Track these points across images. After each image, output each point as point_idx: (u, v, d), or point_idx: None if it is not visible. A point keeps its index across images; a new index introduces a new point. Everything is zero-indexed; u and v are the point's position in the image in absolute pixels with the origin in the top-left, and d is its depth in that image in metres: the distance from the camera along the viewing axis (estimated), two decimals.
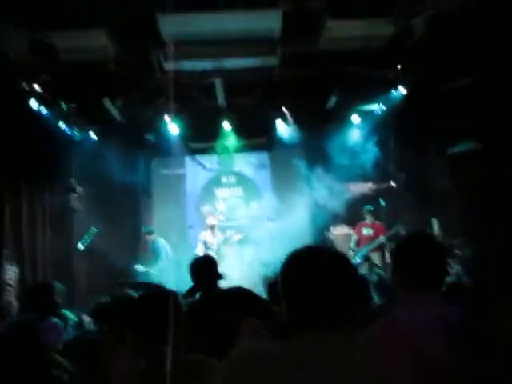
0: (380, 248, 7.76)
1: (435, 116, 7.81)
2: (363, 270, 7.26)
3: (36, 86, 6.67)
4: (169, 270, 7.69)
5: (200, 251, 7.70)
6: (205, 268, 3.02)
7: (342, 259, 1.19)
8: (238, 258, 7.93)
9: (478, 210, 7.30)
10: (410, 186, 8.53)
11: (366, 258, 7.64)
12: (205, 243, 7.82)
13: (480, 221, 7.18)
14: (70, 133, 8.32)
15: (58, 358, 2.69)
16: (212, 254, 7.42)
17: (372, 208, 7.92)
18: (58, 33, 5.46)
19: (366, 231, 7.89)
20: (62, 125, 8.00)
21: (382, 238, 7.61)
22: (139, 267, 7.68)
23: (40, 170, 7.82)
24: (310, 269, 1.15)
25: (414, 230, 7.66)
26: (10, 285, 6.99)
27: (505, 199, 6.77)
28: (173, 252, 8.13)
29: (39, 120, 7.32)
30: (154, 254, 7.81)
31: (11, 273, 7.05)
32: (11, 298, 6.74)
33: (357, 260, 7.61)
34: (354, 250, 7.84)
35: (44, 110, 7.28)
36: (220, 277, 3.04)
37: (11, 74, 6.19)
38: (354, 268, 1.23)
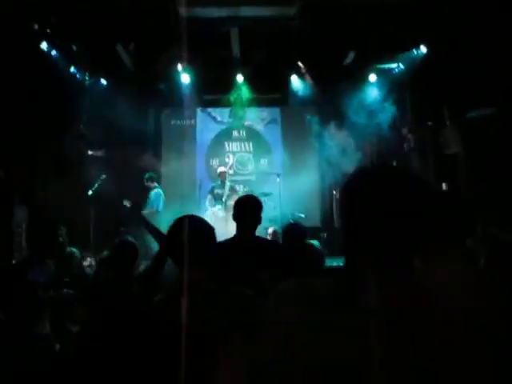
0: None
1: (453, 79, 7.58)
2: None
3: (47, 28, 6.50)
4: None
5: (208, 202, 7.69)
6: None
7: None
8: None
9: (488, 175, 7.22)
10: (422, 148, 8.41)
11: None
12: (214, 193, 7.74)
13: (489, 187, 7.12)
14: (80, 78, 8.21)
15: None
16: (220, 205, 7.47)
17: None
18: None
19: None
20: (72, 69, 7.88)
21: None
22: (127, 203, 7.52)
23: (49, 114, 7.75)
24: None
25: None
26: (20, 227, 7.13)
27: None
28: (180, 204, 8.13)
29: (50, 63, 7.20)
30: (145, 201, 7.75)
31: (21, 215, 7.17)
32: (21, 239, 6.88)
33: None
34: None
35: (55, 54, 7.16)
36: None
37: (23, 14, 6.00)
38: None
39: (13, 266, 3.02)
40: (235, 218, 2.78)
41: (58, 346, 2.73)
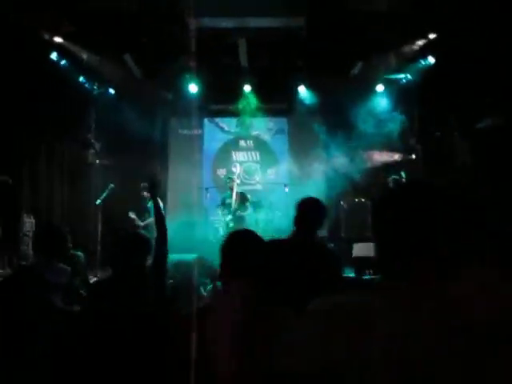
0: None
1: (461, 90, 7.57)
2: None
3: (57, 38, 6.57)
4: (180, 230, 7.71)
5: (221, 212, 7.68)
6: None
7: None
8: (251, 222, 7.93)
9: (496, 186, 7.15)
10: (430, 159, 8.37)
11: None
12: (225, 204, 7.70)
13: (496, 198, 7.05)
14: (89, 87, 8.27)
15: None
16: (229, 214, 7.47)
17: (398, 178, 7.72)
18: None
19: None
20: (81, 79, 7.95)
21: None
22: (132, 215, 7.31)
23: (58, 123, 7.81)
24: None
25: None
26: (26, 235, 7.14)
27: None
28: (187, 213, 8.13)
29: (59, 73, 7.27)
30: (147, 212, 7.63)
31: (28, 223, 7.19)
32: (27, 247, 6.88)
33: None
34: None
35: (64, 63, 7.23)
36: None
37: (33, 23, 6.07)
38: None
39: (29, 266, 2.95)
40: (296, 218, 2.70)
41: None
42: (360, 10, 6.05)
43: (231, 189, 7.66)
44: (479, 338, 0.88)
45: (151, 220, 7.28)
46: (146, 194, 7.52)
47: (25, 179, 7.27)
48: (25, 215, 7.23)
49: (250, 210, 7.62)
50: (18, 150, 7.23)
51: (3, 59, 6.15)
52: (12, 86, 6.59)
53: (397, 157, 8.72)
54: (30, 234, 7.14)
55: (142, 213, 7.33)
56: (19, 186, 7.04)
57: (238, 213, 7.33)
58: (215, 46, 7.75)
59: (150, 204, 7.61)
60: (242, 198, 7.63)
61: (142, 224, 7.18)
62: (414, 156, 8.72)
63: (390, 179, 7.66)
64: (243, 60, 7.93)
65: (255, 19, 6.81)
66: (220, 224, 7.66)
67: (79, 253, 4.12)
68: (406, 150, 8.59)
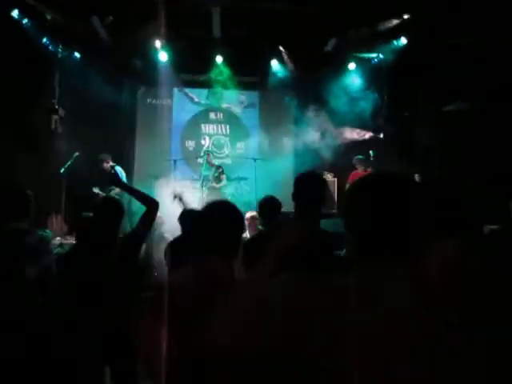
0: None
1: (431, 72, 7.70)
2: None
3: None
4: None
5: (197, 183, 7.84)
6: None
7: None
8: (219, 197, 7.93)
9: (461, 168, 7.41)
10: (396, 138, 8.54)
11: None
12: (203, 177, 7.82)
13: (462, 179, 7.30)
14: (53, 49, 7.88)
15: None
16: (204, 187, 7.65)
17: (363, 157, 7.86)
18: None
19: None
20: (45, 40, 7.55)
21: None
22: (96, 189, 7.13)
23: (20, 87, 7.42)
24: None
25: None
26: None
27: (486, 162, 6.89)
28: (154, 185, 7.98)
29: (21, 32, 6.87)
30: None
31: None
32: None
33: None
34: None
35: (27, 22, 6.84)
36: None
37: None
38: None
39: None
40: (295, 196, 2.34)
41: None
42: None
43: (209, 162, 7.76)
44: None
45: (116, 191, 7.15)
46: (105, 165, 7.33)
47: None
48: None
49: (225, 183, 7.62)
50: None
51: None
52: None
53: (366, 135, 8.85)
54: None
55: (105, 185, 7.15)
56: None
57: (214, 185, 7.34)
58: (188, 14, 7.50)
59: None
60: (220, 171, 7.67)
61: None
62: (381, 135, 8.87)
63: (356, 159, 7.80)
64: (216, 30, 7.75)
65: None
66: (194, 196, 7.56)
67: (47, 231, 4.01)
68: (375, 129, 8.72)
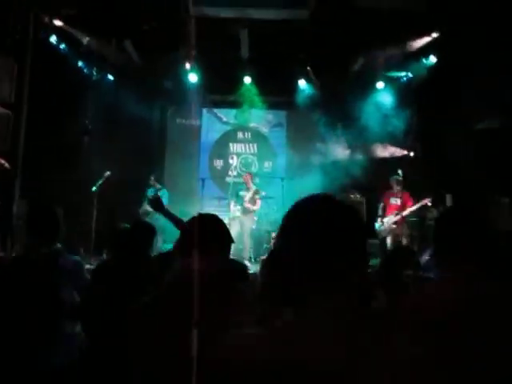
0: (405, 220, 7.38)
1: (462, 90, 7.58)
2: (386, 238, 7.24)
3: (57, 22, 6.48)
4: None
5: (232, 204, 7.80)
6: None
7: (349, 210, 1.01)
8: (253, 218, 7.95)
9: (493, 186, 7.19)
10: (427, 157, 8.39)
11: (391, 228, 7.42)
12: (238, 195, 7.81)
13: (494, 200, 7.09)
14: (88, 72, 8.18)
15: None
16: (239, 206, 7.67)
17: (400, 177, 7.67)
18: None
19: (394, 200, 7.62)
20: (80, 63, 7.87)
21: (408, 211, 7.35)
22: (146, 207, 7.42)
23: (55, 107, 7.72)
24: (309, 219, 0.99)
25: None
26: (20, 218, 7.09)
27: None
28: (181, 204, 8.06)
29: (58, 57, 7.18)
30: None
31: (22, 208, 7.13)
32: (21, 232, 6.83)
33: (380, 227, 7.52)
34: (381, 217, 7.65)
35: (64, 47, 7.16)
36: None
37: (35, 6, 5.98)
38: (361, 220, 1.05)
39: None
40: None
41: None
42: (364, 6, 5.98)
43: (247, 183, 7.83)
44: None
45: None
46: (154, 184, 7.59)
47: (20, 160, 7.19)
48: (19, 199, 7.19)
49: (258, 207, 7.73)
50: (13, 133, 7.15)
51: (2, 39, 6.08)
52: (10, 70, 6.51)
53: (395, 154, 8.73)
54: (24, 218, 7.11)
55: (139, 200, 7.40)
56: (14, 169, 6.98)
57: (249, 206, 7.54)
58: (217, 36, 7.67)
59: (148, 192, 7.62)
60: (257, 195, 7.73)
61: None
62: (412, 154, 8.73)
63: (393, 179, 7.56)
64: (244, 51, 7.87)
65: (258, 10, 6.74)
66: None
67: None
68: (405, 148, 8.59)
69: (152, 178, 7.79)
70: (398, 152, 8.66)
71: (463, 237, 1.54)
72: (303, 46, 7.65)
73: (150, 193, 7.57)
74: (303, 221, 0.99)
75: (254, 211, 7.66)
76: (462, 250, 1.52)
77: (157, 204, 2.97)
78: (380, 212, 7.57)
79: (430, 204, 7.06)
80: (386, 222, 7.30)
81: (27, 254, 2.84)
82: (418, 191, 7.78)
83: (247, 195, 7.68)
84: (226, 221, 6.62)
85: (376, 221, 7.57)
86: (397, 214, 7.22)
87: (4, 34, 6.08)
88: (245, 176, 8.03)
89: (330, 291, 0.92)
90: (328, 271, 0.93)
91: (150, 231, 2.96)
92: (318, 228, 0.96)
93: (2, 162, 6.29)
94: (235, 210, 7.59)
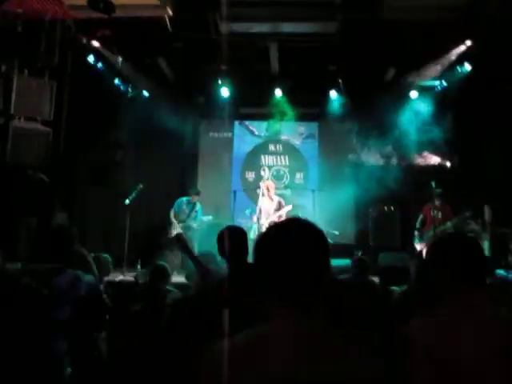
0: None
1: (500, 98, 7.33)
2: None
3: (94, 42, 6.78)
4: (208, 232, 7.81)
5: (255, 219, 7.41)
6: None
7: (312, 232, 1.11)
8: None
9: None
10: (465, 168, 8.13)
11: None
12: (261, 210, 7.38)
13: None
14: (123, 89, 8.49)
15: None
16: (265, 220, 7.27)
17: (441, 191, 7.50)
18: None
19: (434, 213, 7.47)
20: (116, 81, 8.18)
21: (448, 225, 7.18)
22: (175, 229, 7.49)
23: (93, 124, 8.04)
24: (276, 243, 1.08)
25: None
26: None
27: None
28: (214, 216, 8.16)
29: (95, 75, 7.50)
30: (190, 214, 7.75)
31: (61, 220, 7.43)
32: None
33: (417, 241, 7.39)
34: (419, 230, 7.51)
35: (101, 66, 7.47)
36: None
37: (74, 29, 6.30)
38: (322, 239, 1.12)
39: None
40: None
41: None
42: (394, 18, 5.92)
43: (269, 196, 7.42)
44: None
45: (191, 223, 7.52)
46: (194, 197, 7.65)
47: (58, 176, 7.52)
48: (58, 212, 7.51)
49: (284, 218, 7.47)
50: (56, 149, 7.51)
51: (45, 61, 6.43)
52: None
53: (431, 164, 8.51)
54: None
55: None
56: (54, 183, 7.29)
57: (273, 219, 7.16)
58: (247, 50, 7.79)
59: (197, 208, 7.69)
60: (280, 205, 7.41)
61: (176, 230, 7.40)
62: (448, 164, 8.48)
63: (435, 193, 7.34)
64: (274, 64, 7.94)
65: (288, 24, 6.79)
66: (251, 227, 7.43)
67: (105, 255, 4.20)
68: (441, 158, 8.37)
69: (192, 191, 7.77)
70: (434, 162, 8.43)
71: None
72: (333, 58, 7.63)
73: (184, 202, 7.66)
74: (263, 246, 1.10)
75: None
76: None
77: (181, 244, 3.04)
78: (418, 224, 7.45)
79: (470, 218, 6.91)
80: (426, 236, 7.21)
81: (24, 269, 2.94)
82: (455, 203, 7.56)
83: (271, 207, 7.35)
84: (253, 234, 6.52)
85: (414, 233, 7.45)
86: (435, 228, 7.08)
87: (45, 55, 6.43)
88: (266, 185, 7.50)
89: (290, 307, 1.01)
90: (287, 289, 1.02)
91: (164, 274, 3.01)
92: (276, 250, 1.06)
93: (42, 176, 6.61)
94: (261, 223, 7.27)
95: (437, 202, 7.36)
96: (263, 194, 7.40)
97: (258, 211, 7.39)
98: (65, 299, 2.44)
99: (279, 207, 7.35)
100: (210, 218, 7.65)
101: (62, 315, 2.39)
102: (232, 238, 2.46)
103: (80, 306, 2.47)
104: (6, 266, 3.45)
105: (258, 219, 7.31)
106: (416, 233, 7.46)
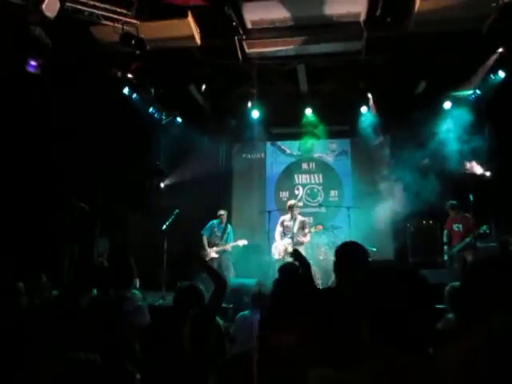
0: (471, 247, 6.87)
1: None
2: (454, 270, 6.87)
3: (128, 74, 7.10)
4: (244, 254, 7.87)
5: (277, 234, 7.46)
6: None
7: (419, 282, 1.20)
8: (313, 246, 7.83)
9: None
10: (505, 178, 7.83)
11: (460, 257, 7.03)
12: (284, 225, 7.45)
13: None
14: (158, 117, 8.80)
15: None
16: (288, 238, 7.24)
17: (455, 203, 7.32)
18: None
19: (456, 226, 7.28)
20: (150, 109, 8.49)
21: (468, 239, 6.96)
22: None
23: (131, 151, 8.35)
24: (390, 291, 1.17)
25: (506, 226, 7.10)
26: (101, 256, 7.65)
27: None
28: (248, 237, 8.14)
29: (131, 105, 7.83)
30: (222, 237, 7.74)
31: (103, 245, 7.70)
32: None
33: (445, 258, 7.20)
34: (446, 245, 7.33)
35: (135, 97, 7.80)
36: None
37: (106, 63, 6.63)
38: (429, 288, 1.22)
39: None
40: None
41: None
42: (419, 31, 5.88)
43: (292, 213, 7.39)
44: None
45: (225, 246, 7.54)
46: (223, 217, 7.70)
47: (99, 205, 7.84)
48: (100, 237, 7.80)
49: (309, 238, 7.37)
50: (95, 177, 7.85)
51: (85, 95, 6.81)
52: (91, 119, 7.23)
53: (469, 176, 8.26)
54: (105, 255, 7.68)
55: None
56: (95, 211, 7.60)
57: (297, 239, 7.16)
58: (275, 72, 7.93)
59: (229, 229, 7.77)
60: (303, 224, 7.40)
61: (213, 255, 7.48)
62: (488, 174, 8.20)
63: (448, 205, 7.29)
64: (302, 85, 8.03)
65: (314, 46, 6.87)
66: (275, 246, 7.42)
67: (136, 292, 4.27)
68: (480, 169, 8.11)
69: (222, 213, 7.77)
70: (473, 173, 8.18)
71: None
72: (361, 75, 7.64)
73: (215, 225, 7.72)
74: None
75: (302, 243, 7.17)
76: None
77: (199, 261, 3.18)
78: (445, 239, 7.26)
79: (488, 231, 6.83)
80: (455, 250, 7.07)
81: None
82: (498, 215, 7.30)
83: (294, 226, 7.28)
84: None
85: (443, 249, 7.27)
86: (461, 241, 6.89)
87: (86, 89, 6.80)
88: (290, 205, 7.42)
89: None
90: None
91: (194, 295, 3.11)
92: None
93: (83, 205, 6.92)
94: (286, 244, 7.20)
95: (453, 215, 7.17)
96: (291, 216, 7.40)
97: (280, 229, 7.43)
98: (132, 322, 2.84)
99: (303, 226, 7.35)
100: (246, 242, 7.63)
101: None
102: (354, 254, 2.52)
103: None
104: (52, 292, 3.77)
105: (285, 235, 7.34)
106: (445, 248, 7.27)
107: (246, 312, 4.06)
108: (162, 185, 9.07)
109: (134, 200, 8.46)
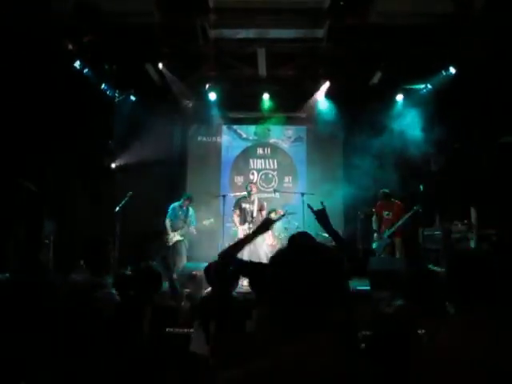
0: (401, 233, 7.28)
1: (485, 101, 7.44)
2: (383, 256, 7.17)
3: (80, 48, 6.72)
4: (197, 238, 7.82)
5: (236, 219, 7.39)
6: None
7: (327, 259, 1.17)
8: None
9: None
10: (450, 170, 8.24)
11: (388, 243, 7.35)
12: (242, 207, 7.34)
13: None
14: (111, 94, 8.43)
15: None
16: (250, 223, 7.18)
17: (387, 191, 7.59)
18: None
19: (386, 214, 7.52)
20: (103, 86, 8.12)
21: (400, 222, 7.27)
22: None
23: (81, 129, 7.96)
24: (295, 271, 1.14)
25: (450, 216, 7.50)
26: (47, 238, 7.29)
27: None
28: (203, 220, 8.10)
29: (82, 81, 7.43)
30: (185, 220, 7.70)
31: (49, 227, 7.34)
32: (48, 251, 7.04)
33: (376, 245, 7.48)
34: (376, 232, 7.61)
35: (87, 72, 7.40)
36: None
37: (57, 34, 6.23)
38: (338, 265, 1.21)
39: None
40: None
41: None
42: (379, 22, 6.00)
43: (250, 194, 7.33)
44: None
45: (189, 229, 7.49)
46: (187, 203, 7.56)
47: (46, 184, 7.44)
48: (46, 219, 7.42)
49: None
50: (42, 156, 7.42)
51: (32, 68, 6.36)
52: (37, 93, 6.79)
53: (414, 169, 8.61)
54: (51, 238, 7.33)
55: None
56: (42, 191, 7.21)
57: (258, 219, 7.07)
58: (235, 55, 7.82)
59: (191, 212, 7.64)
60: (261, 206, 7.38)
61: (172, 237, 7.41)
62: (433, 167, 8.59)
63: (380, 193, 7.55)
64: (261, 69, 7.97)
65: (275, 30, 6.82)
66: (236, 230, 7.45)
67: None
68: (424, 162, 8.47)
69: (184, 197, 7.66)
70: (420, 167, 8.53)
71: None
72: (320, 62, 7.70)
73: (177, 209, 7.60)
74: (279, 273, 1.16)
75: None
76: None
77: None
78: (374, 226, 7.55)
79: (420, 210, 7.01)
80: (384, 236, 7.34)
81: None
82: (444, 205, 7.69)
83: (254, 209, 7.26)
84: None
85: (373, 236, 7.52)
86: (391, 227, 7.20)
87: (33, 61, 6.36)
88: (252, 185, 7.47)
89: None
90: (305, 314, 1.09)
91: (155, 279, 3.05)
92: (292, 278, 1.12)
93: (29, 185, 6.53)
94: (246, 229, 7.13)
95: (384, 202, 7.46)
96: (249, 196, 7.37)
97: (238, 212, 7.35)
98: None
99: (261, 208, 7.36)
100: (212, 220, 7.61)
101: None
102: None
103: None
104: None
105: (244, 221, 7.29)
106: (375, 236, 7.55)
107: None
108: (113, 165, 8.73)
109: (84, 180, 8.11)
